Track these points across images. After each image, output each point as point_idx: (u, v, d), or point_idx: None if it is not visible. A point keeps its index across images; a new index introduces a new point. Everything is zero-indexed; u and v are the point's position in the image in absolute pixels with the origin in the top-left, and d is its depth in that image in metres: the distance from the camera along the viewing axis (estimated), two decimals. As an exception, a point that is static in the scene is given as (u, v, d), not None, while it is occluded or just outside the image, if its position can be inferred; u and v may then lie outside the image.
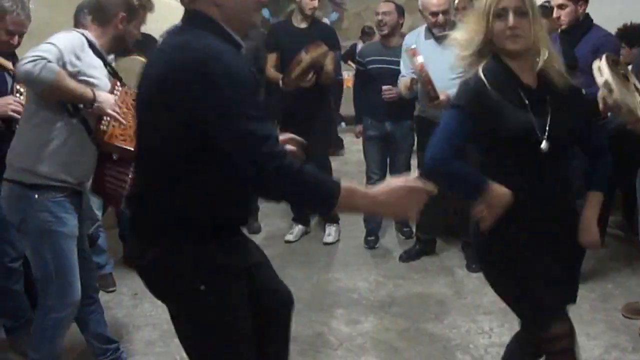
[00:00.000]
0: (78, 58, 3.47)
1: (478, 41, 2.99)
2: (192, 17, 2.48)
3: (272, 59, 6.51)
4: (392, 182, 2.47)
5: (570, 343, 3.20)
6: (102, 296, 4.69)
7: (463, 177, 2.99)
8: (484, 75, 2.97)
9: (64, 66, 3.36)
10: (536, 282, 3.03)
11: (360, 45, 10.43)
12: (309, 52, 5.98)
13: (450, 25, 5.48)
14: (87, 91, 3.47)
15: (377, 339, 4.66)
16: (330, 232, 6.74)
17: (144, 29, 6.17)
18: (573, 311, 4.85)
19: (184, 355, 4.47)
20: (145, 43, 6.08)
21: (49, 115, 3.52)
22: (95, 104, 3.50)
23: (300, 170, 2.30)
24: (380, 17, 6.25)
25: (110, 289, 5.52)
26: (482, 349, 4.47)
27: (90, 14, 3.72)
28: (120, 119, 3.59)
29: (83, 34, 3.59)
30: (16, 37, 4.03)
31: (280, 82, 6.18)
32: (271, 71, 6.45)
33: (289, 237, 6.75)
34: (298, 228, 6.84)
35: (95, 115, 3.56)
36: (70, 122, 3.54)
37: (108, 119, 3.57)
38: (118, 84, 3.70)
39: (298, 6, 6.45)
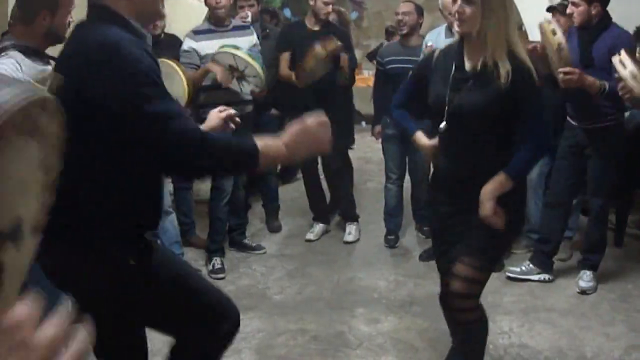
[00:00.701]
0: None
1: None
2: (98, 12, 2.49)
3: (284, 58, 6.52)
4: (293, 125, 2.56)
5: (467, 289, 3.51)
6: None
7: (399, 122, 3.95)
8: (440, 52, 3.60)
9: None
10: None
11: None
12: (323, 46, 5.98)
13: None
14: None
15: (397, 338, 4.68)
16: (351, 231, 6.76)
17: (168, 28, 6.25)
18: (592, 311, 4.92)
19: None
20: (170, 43, 6.14)
21: None
22: None
23: (216, 138, 2.47)
24: (400, 17, 6.26)
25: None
26: (502, 350, 4.49)
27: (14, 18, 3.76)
28: None
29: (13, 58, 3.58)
30: None
31: (294, 76, 6.19)
32: (285, 70, 6.48)
33: (310, 236, 6.78)
34: (319, 227, 6.87)
35: None
36: None
37: None
38: None
39: (312, 10, 6.46)
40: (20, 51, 3.57)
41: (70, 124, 2.27)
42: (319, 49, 5.91)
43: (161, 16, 2.70)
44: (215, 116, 3.14)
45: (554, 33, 4.66)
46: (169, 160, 2.40)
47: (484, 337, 3.74)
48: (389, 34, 11.35)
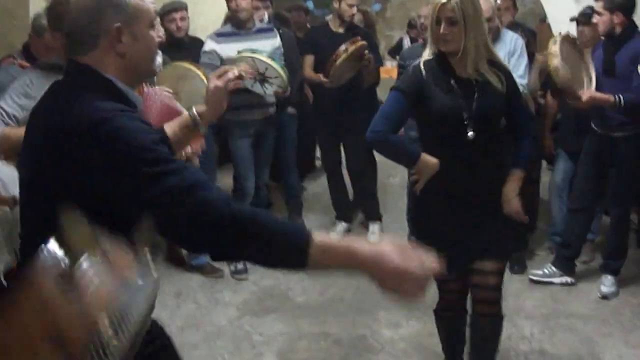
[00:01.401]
0: (28, 97, 3.64)
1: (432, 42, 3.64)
2: (78, 73, 2.14)
3: (309, 60, 6.55)
4: (392, 244, 1.97)
5: (499, 282, 3.84)
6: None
7: (398, 147, 3.70)
8: (423, 66, 3.62)
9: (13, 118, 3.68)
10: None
11: (406, 39, 10.43)
12: (348, 47, 5.99)
13: (494, 31, 5.48)
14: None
15: (419, 343, 4.71)
16: (374, 230, 6.77)
17: (191, 22, 6.25)
18: (614, 317, 4.92)
19: (227, 357, 4.62)
20: (193, 45, 6.16)
21: None
22: None
23: (256, 217, 1.95)
24: (422, 20, 6.26)
25: (153, 289, 5.55)
26: (523, 356, 4.52)
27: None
28: None
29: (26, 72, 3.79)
30: None
31: (322, 77, 6.19)
32: (311, 73, 6.50)
33: (332, 235, 6.74)
34: (341, 225, 6.89)
35: None
36: None
37: None
38: None
39: (336, 12, 6.46)
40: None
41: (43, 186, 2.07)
42: (344, 49, 5.93)
43: (154, 75, 2.34)
44: (213, 84, 2.74)
45: (554, 56, 4.85)
46: (183, 235, 2.01)
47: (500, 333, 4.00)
48: (411, 26, 11.31)
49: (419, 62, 3.67)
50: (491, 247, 3.73)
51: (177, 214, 1.93)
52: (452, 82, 3.59)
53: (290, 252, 1.92)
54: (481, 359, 4.02)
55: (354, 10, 6.44)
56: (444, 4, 3.46)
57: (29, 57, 4.51)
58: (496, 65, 3.66)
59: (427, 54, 3.69)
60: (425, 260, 1.95)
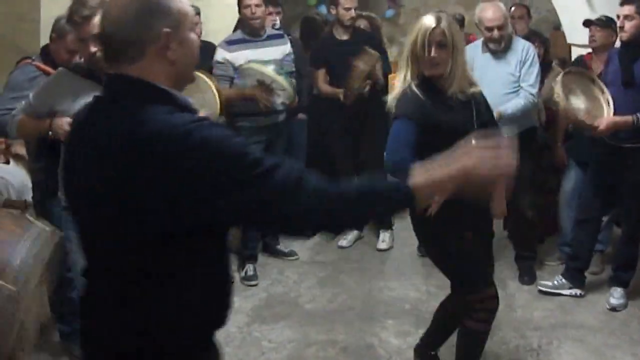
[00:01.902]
0: (50, 95, 3.86)
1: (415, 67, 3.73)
2: (132, 88, 1.97)
3: (321, 75, 6.60)
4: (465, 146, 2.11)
5: (496, 304, 3.99)
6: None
7: None
8: (418, 89, 3.69)
9: (34, 108, 3.88)
10: (469, 255, 3.86)
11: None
12: (364, 61, 6.03)
13: (506, 39, 5.50)
14: (43, 124, 3.83)
15: (427, 352, 4.70)
16: (385, 239, 6.78)
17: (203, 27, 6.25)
18: (622, 329, 4.92)
19: None
20: (205, 50, 6.16)
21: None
22: (51, 133, 3.81)
23: (360, 186, 2.06)
24: None
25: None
26: (530, 368, 4.52)
27: None
28: None
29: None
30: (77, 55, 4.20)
31: (342, 96, 6.24)
32: (326, 87, 6.56)
33: (343, 243, 6.80)
34: (352, 233, 6.87)
35: None
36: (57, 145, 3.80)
37: None
38: None
39: (337, 19, 6.50)
40: None
41: (118, 225, 1.93)
42: (362, 66, 5.97)
43: (193, 81, 2.18)
44: None
45: (560, 100, 4.98)
46: (299, 226, 2.06)
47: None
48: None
49: (410, 87, 3.72)
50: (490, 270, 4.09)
51: (291, 207, 1.89)
52: (448, 101, 3.72)
53: (399, 204, 2.12)
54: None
55: (352, 13, 6.47)
56: (434, 28, 3.59)
57: (48, 60, 4.55)
58: (473, 84, 3.85)
59: (407, 78, 3.76)
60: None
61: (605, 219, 5.78)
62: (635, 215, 5.24)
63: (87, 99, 3.58)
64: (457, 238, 3.81)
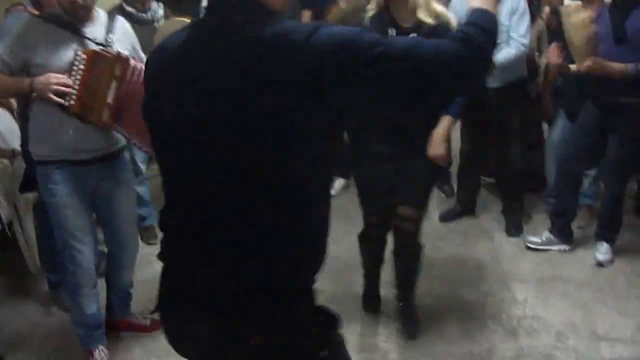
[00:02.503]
0: (24, 47, 3.54)
1: None
2: (240, 10, 1.89)
3: (305, 16, 6.50)
4: None
5: (415, 226, 4.19)
6: (144, 249, 4.77)
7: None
8: (370, 21, 3.87)
9: (6, 64, 3.54)
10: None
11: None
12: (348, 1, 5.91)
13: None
14: (21, 84, 3.53)
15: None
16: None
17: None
18: (608, 285, 4.92)
19: None
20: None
21: (24, 100, 3.80)
22: (34, 93, 3.55)
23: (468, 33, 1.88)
24: None
25: (152, 242, 5.59)
26: (515, 321, 4.52)
27: None
28: (70, 90, 3.49)
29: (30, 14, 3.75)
30: None
31: None
32: None
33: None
34: (338, 182, 6.83)
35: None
36: (41, 104, 3.60)
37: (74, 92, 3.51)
38: (79, 52, 3.54)
39: None
40: None
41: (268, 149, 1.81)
42: (342, 3, 5.84)
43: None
44: None
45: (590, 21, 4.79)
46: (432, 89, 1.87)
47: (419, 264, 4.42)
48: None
49: (368, 17, 3.89)
50: (409, 194, 4.09)
51: (423, 70, 1.80)
52: (391, 31, 3.81)
53: (494, 29, 1.94)
54: (404, 286, 4.47)
55: None
56: None
57: (39, 7, 4.44)
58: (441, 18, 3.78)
59: (372, 7, 3.90)
60: None
61: (592, 173, 5.78)
62: (618, 174, 5.19)
63: (67, 51, 3.52)
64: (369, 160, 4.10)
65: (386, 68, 1.77)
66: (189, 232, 2.04)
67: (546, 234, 5.56)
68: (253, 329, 1.94)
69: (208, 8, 1.97)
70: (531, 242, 5.58)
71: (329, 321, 2.08)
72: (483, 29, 1.88)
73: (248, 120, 1.81)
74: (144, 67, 2.36)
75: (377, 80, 1.78)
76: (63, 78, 3.46)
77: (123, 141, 3.87)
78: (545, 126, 6.65)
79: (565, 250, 5.50)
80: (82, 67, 3.49)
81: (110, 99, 3.48)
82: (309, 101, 1.76)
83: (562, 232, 5.52)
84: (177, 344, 2.17)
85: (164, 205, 2.14)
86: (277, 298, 1.94)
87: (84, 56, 3.50)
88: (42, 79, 3.47)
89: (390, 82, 1.79)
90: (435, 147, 3.92)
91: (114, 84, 3.49)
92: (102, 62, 3.51)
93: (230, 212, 1.92)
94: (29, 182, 3.98)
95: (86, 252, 3.81)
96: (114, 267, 4.20)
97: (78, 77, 3.47)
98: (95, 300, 3.95)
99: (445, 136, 3.95)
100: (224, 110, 1.84)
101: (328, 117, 1.82)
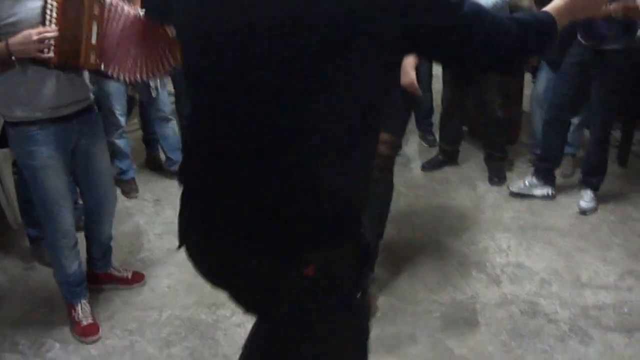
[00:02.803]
0: None
1: None
2: None
3: None
4: None
5: (392, 150, 4.13)
6: (124, 202, 4.74)
7: None
8: None
9: None
10: None
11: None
12: None
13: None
14: None
15: (395, 251, 4.69)
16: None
17: None
18: (591, 233, 4.92)
19: None
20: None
21: None
22: (13, 56, 3.25)
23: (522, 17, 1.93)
24: None
25: (133, 195, 5.55)
26: (499, 268, 4.51)
27: None
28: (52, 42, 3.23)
29: None
30: None
31: None
32: None
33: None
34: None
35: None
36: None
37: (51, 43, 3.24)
38: (49, 1, 3.27)
39: None
40: None
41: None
42: None
43: None
44: None
45: None
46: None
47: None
48: None
49: None
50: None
51: (485, 44, 1.83)
52: None
53: (550, 36, 1.97)
54: (373, 219, 4.20)
55: None
56: None
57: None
58: None
59: None
60: None
61: (576, 121, 5.75)
62: (603, 119, 5.16)
63: (34, 1, 3.35)
64: None
65: (458, 33, 1.77)
66: (230, 156, 1.91)
67: (529, 179, 5.54)
68: (308, 259, 1.87)
69: None
70: (515, 187, 5.57)
71: (367, 264, 2.06)
72: (543, 34, 1.95)
73: (311, 30, 1.70)
74: None
75: (446, 39, 1.78)
76: (44, 31, 3.27)
77: (91, 95, 3.78)
78: (527, 76, 6.63)
79: (548, 195, 5.49)
80: (54, 14, 3.32)
81: (94, 40, 3.34)
82: (381, 32, 1.70)
83: (545, 176, 5.50)
84: (210, 274, 2.14)
85: (189, 127, 2.06)
86: (331, 228, 1.89)
87: (55, 2, 3.33)
88: (19, 39, 3.18)
89: (455, 44, 1.80)
90: (405, 75, 3.84)
91: (95, 25, 3.35)
92: (75, 4, 3.35)
93: (282, 134, 1.80)
94: (6, 138, 3.85)
95: (66, 215, 3.74)
96: (93, 222, 4.13)
97: (52, 26, 3.32)
98: (76, 258, 3.90)
99: (413, 64, 3.87)
100: (282, 17, 1.71)
101: (395, 52, 1.79)
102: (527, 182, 5.54)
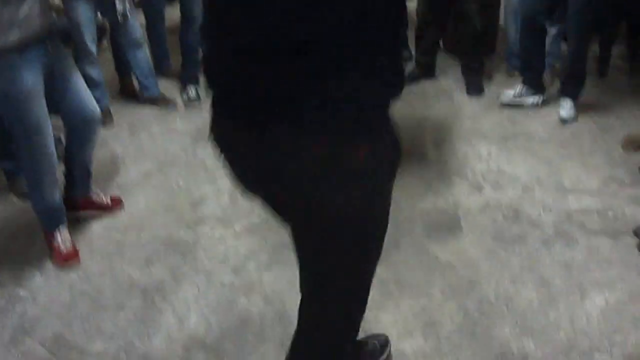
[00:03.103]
0: None
1: None
2: None
3: None
4: None
5: None
6: (99, 131, 4.65)
7: None
8: None
9: None
10: None
11: None
12: None
13: None
14: None
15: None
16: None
17: None
18: (573, 140, 4.87)
19: (181, 183, 4.56)
20: None
21: None
22: None
23: None
24: None
25: (108, 124, 5.46)
26: (480, 175, 4.45)
27: None
28: None
29: None
30: None
31: None
32: None
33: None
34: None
35: None
36: None
37: None
38: None
39: None
40: None
41: None
42: None
43: None
44: None
45: None
46: None
47: None
48: None
49: None
50: None
51: None
52: None
53: None
54: None
55: None
56: None
57: None
58: None
59: None
60: None
61: (553, 31, 5.66)
62: (578, 29, 5.05)
63: None
64: None
65: None
66: (263, 50, 1.77)
67: (519, 87, 5.46)
68: (357, 144, 1.80)
69: None
70: (505, 98, 5.50)
71: (399, 156, 2.02)
72: None
73: None
74: None
75: None
76: None
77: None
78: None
79: (538, 104, 5.44)
80: None
81: None
82: None
83: (534, 84, 5.43)
84: (250, 177, 2.04)
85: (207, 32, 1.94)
86: (375, 117, 1.84)
87: None
88: None
89: None
90: None
91: None
92: None
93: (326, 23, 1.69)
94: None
95: (48, 142, 3.63)
96: (77, 144, 4.04)
97: None
98: (56, 186, 3.82)
99: None
100: None
101: None
102: (517, 92, 5.46)
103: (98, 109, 3.97)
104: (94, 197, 4.30)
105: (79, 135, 3.98)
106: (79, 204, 4.26)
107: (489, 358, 3.04)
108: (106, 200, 4.33)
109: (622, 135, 4.92)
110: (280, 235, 3.95)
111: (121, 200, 4.39)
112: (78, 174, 4.17)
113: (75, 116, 3.88)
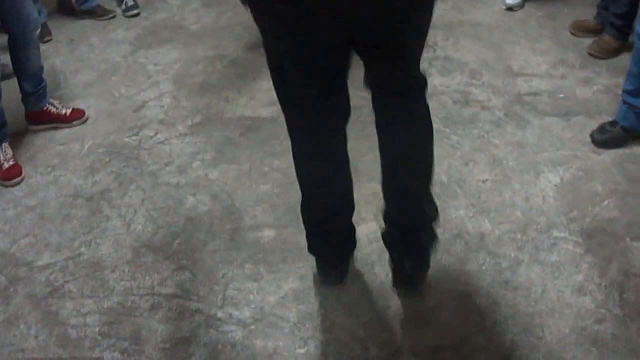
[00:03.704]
0: None
1: None
2: None
3: None
4: None
5: None
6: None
7: None
8: None
9: None
10: None
11: None
12: None
13: None
14: None
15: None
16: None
17: None
18: (520, 27, 4.81)
19: (123, 91, 4.46)
20: None
21: None
22: None
23: None
24: None
25: (47, 39, 5.30)
26: (427, 62, 4.35)
27: None
28: None
29: None
30: None
31: None
32: None
33: None
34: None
35: None
36: None
37: None
38: None
39: None
40: None
41: None
42: None
43: None
44: None
45: None
46: None
47: None
48: None
49: None
50: None
51: None
52: None
53: None
54: None
55: None
56: None
57: None
58: None
59: None
60: None
61: None
62: None
63: None
64: None
65: None
66: None
67: None
68: None
69: None
70: None
71: None
72: None
73: None
74: None
75: None
76: None
77: None
78: None
79: None
80: None
81: None
82: None
83: None
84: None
85: None
86: None
87: None
88: None
89: None
90: None
91: None
92: None
93: None
94: None
95: None
96: (21, 52, 3.93)
97: None
98: None
99: None
100: None
101: None
102: None
103: (36, 14, 3.87)
104: (52, 109, 4.18)
105: (22, 41, 3.90)
106: (38, 117, 4.17)
107: (445, 239, 3.01)
108: (67, 111, 4.21)
109: (570, 21, 4.83)
110: (225, 133, 3.93)
111: (84, 112, 4.25)
112: (29, 83, 4.07)
113: (15, 21, 3.80)
